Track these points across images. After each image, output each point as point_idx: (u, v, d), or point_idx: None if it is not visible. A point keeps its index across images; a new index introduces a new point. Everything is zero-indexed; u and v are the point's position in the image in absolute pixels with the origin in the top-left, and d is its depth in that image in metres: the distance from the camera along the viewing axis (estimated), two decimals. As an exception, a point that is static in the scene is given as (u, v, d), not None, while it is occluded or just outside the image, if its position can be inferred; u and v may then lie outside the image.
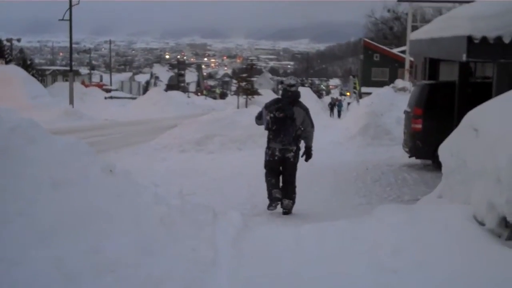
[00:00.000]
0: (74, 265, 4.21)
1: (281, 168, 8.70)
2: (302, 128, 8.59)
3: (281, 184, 8.70)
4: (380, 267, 4.68)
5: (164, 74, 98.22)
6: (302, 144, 8.81)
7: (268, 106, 8.60)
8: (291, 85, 8.61)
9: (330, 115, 42.31)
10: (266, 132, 8.79)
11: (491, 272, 4.15)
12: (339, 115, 42.61)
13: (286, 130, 8.41)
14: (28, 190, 4.78)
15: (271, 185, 8.61)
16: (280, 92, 8.86)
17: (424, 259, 4.55)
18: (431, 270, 4.39)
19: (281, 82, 9.11)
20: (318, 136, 18.25)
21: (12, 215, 4.43)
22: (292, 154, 8.54)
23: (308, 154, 8.80)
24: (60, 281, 4.01)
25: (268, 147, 8.67)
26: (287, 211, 8.57)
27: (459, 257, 4.45)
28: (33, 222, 4.47)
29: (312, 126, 8.68)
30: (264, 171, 8.81)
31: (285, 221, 7.48)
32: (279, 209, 8.61)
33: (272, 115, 8.44)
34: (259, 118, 8.91)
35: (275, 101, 8.68)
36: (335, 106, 46.06)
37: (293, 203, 8.66)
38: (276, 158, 8.56)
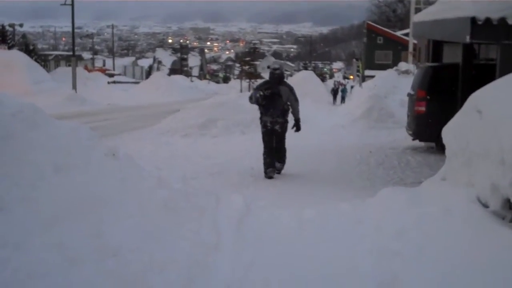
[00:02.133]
0: (77, 249, 4.22)
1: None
2: (288, 103, 10.20)
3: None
4: (383, 250, 4.67)
5: (167, 58, 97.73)
6: (291, 118, 10.36)
7: (258, 87, 10.46)
8: (275, 69, 10.45)
9: (334, 103, 36.51)
10: None
11: (495, 254, 4.14)
12: (343, 101, 37.54)
13: (275, 105, 10.08)
14: (31, 175, 4.78)
15: (266, 164, 10.19)
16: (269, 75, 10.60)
17: (427, 242, 4.54)
18: (435, 252, 4.38)
19: (268, 67, 11.09)
20: (321, 120, 18.36)
21: (15, 200, 4.43)
22: (279, 125, 10.18)
23: (297, 126, 10.45)
24: (62, 265, 4.01)
25: (260, 120, 10.34)
26: (279, 172, 10.37)
27: (462, 239, 4.44)
28: (36, 207, 4.47)
29: (296, 100, 10.30)
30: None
31: (288, 205, 7.46)
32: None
33: (262, 93, 10.12)
34: (251, 98, 10.38)
35: (265, 82, 10.62)
36: (338, 92, 40.62)
37: (284, 163, 10.48)
38: (268, 128, 10.21)
